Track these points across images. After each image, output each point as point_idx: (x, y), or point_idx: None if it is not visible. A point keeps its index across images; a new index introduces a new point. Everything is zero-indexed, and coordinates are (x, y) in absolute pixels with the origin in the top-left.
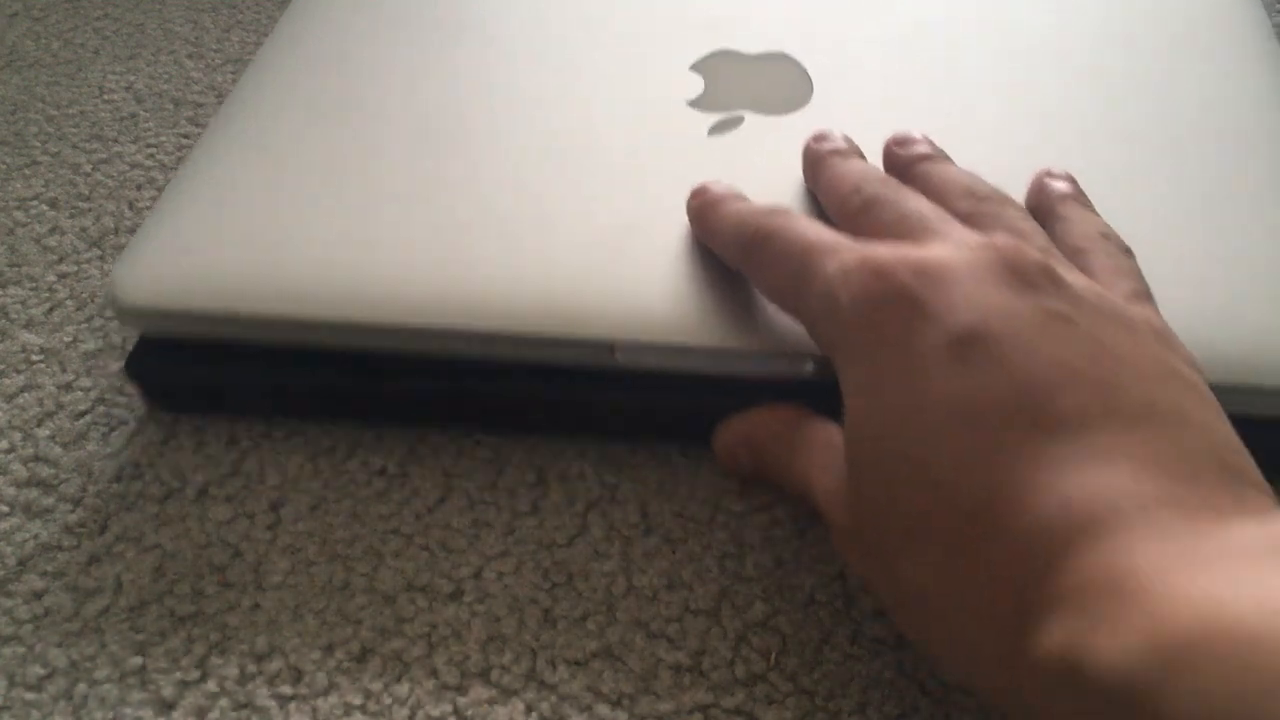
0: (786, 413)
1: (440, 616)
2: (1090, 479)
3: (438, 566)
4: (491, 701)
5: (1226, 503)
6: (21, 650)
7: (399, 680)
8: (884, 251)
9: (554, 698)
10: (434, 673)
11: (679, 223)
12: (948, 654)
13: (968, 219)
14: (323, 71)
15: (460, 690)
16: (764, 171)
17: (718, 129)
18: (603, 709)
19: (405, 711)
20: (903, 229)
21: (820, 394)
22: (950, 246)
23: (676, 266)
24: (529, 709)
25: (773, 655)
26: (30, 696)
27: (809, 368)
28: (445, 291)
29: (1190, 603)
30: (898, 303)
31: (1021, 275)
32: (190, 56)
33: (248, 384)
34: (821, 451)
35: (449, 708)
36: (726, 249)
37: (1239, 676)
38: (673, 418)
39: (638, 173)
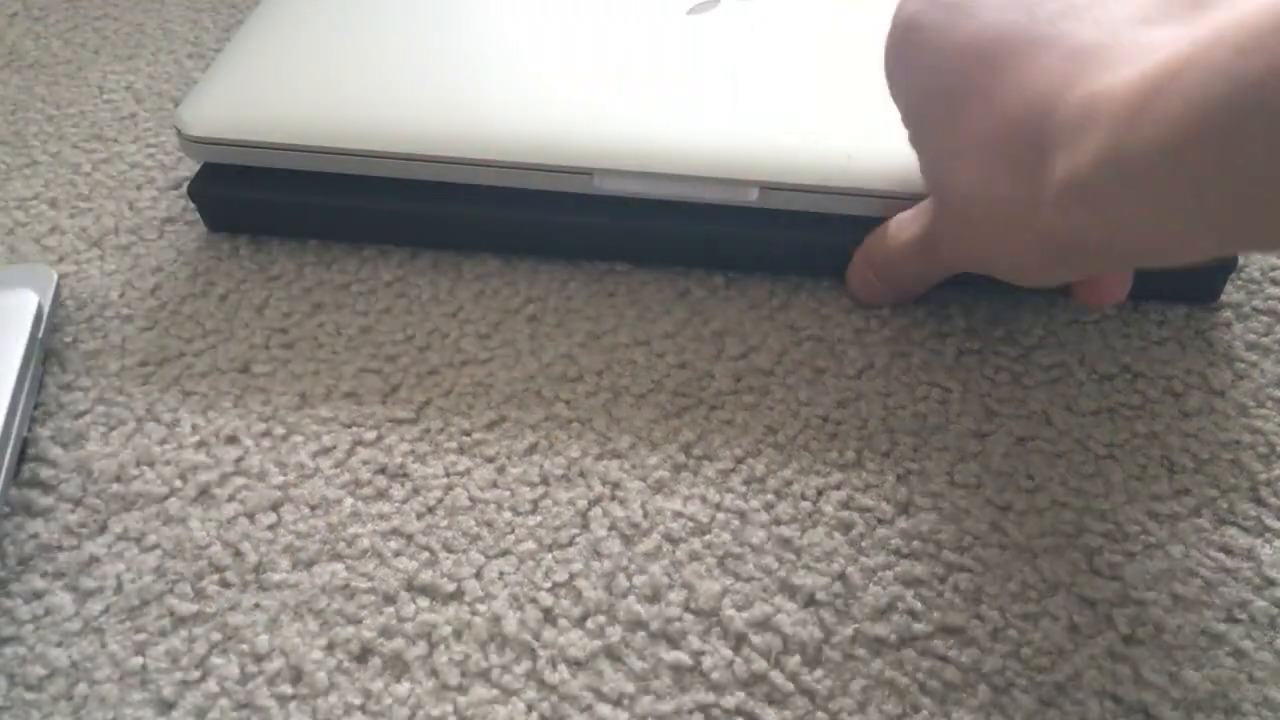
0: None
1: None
2: (1070, 47)
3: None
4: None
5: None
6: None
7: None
8: None
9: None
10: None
11: (651, 81)
12: (995, 241)
13: None
14: None
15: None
16: (735, 50)
17: (696, 9)
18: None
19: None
20: None
21: (763, 220)
22: None
23: (646, 113)
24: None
25: None
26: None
27: (753, 194)
28: (455, 129)
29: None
30: (944, 9)
31: None
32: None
33: (288, 206)
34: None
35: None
36: None
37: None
38: (638, 238)
39: (620, 42)
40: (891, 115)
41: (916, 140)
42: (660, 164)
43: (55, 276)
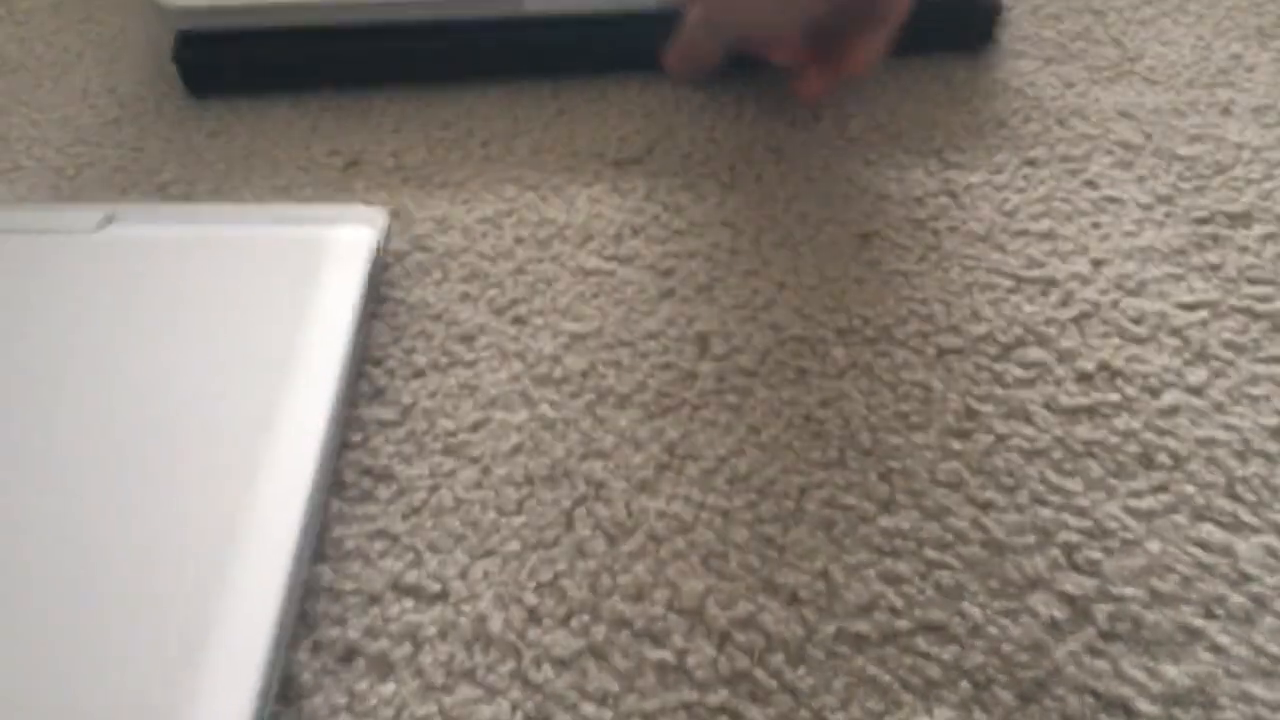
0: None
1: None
2: None
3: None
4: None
5: None
6: None
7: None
8: None
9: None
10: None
11: None
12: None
13: None
14: None
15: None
16: None
17: None
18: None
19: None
20: None
21: (663, 23)
22: None
23: None
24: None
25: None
26: None
27: (651, 1)
28: None
29: None
30: None
31: None
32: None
33: (259, 63)
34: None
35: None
36: None
37: None
38: (562, 52)
39: None
40: None
41: None
42: None
43: (386, 217)
